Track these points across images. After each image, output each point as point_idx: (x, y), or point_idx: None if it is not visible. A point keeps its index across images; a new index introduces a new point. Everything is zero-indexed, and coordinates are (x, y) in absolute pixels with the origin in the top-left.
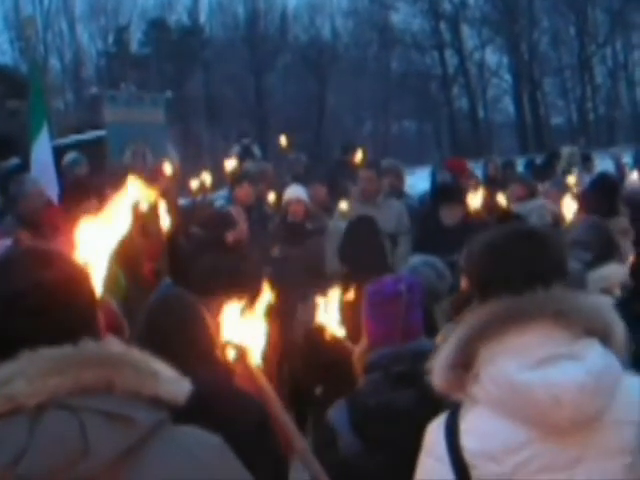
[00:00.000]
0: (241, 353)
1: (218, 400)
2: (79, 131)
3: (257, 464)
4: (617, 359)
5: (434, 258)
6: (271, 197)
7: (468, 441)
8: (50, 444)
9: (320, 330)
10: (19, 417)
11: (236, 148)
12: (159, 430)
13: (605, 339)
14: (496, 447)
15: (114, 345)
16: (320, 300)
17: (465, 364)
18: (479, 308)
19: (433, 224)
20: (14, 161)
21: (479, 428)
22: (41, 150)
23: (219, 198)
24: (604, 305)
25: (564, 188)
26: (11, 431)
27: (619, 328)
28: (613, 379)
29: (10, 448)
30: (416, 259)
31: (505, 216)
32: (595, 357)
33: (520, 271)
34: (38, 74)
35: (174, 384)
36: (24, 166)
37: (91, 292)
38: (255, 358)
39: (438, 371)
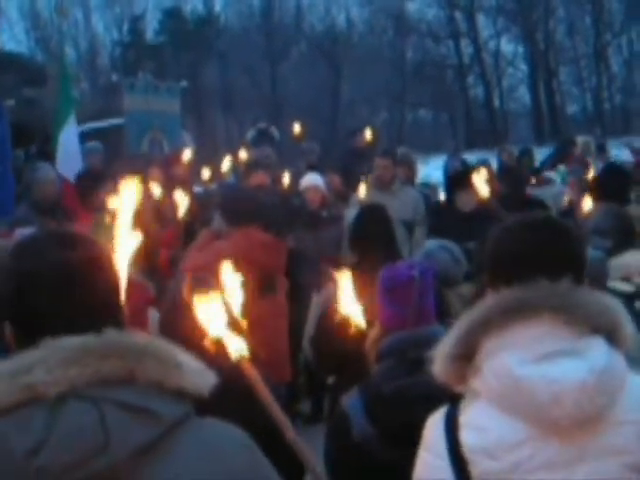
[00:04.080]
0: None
1: (236, 387)
2: (95, 119)
3: (275, 454)
4: (623, 358)
5: (450, 243)
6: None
7: (467, 436)
8: (70, 435)
9: (333, 319)
10: (38, 407)
11: (251, 133)
12: (183, 423)
13: (612, 337)
14: (494, 443)
15: (137, 335)
16: (334, 288)
17: (467, 356)
18: (485, 299)
19: (448, 211)
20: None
21: (478, 423)
22: (68, 138)
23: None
24: (612, 302)
25: (581, 176)
26: (30, 421)
27: (627, 327)
28: (617, 378)
29: (29, 438)
30: (432, 243)
31: (527, 203)
32: (599, 355)
33: (530, 260)
34: (66, 64)
35: (199, 376)
36: (40, 154)
37: (114, 276)
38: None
39: (439, 361)
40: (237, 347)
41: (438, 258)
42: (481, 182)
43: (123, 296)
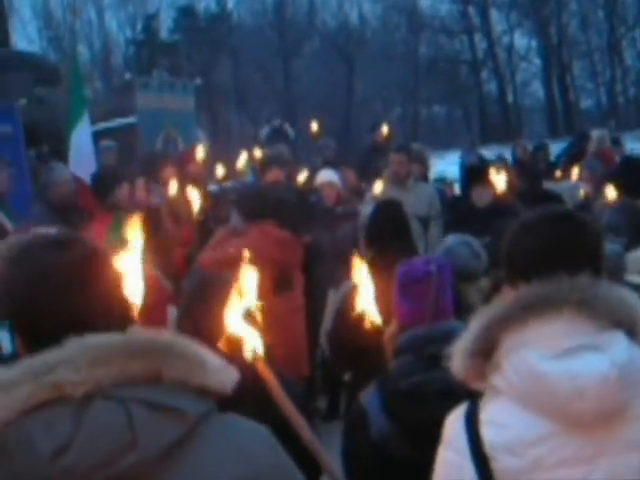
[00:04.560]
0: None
1: (259, 384)
2: (109, 118)
3: (296, 450)
4: None
5: (470, 238)
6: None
7: (488, 433)
8: (97, 435)
9: (350, 315)
10: (65, 406)
11: (265, 130)
12: (207, 420)
13: (632, 332)
14: (516, 439)
15: (162, 333)
16: (350, 285)
17: (486, 352)
18: (503, 295)
19: (464, 206)
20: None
21: (500, 419)
22: (81, 138)
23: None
24: (631, 297)
25: (596, 170)
26: (56, 421)
27: None
28: (638, 372)
29: (55, 439)
30: (451, 239)
31: (543, 197)
32: (620, 349)
33: (549, 255)
34: (78, 63)
35: (222, 373)
36: (53, 153)
37: (114, 274)
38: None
39: (457, 358)
40: (252, 347)
41: (458, 253)
42: (498, 177)
43: (134, 293)
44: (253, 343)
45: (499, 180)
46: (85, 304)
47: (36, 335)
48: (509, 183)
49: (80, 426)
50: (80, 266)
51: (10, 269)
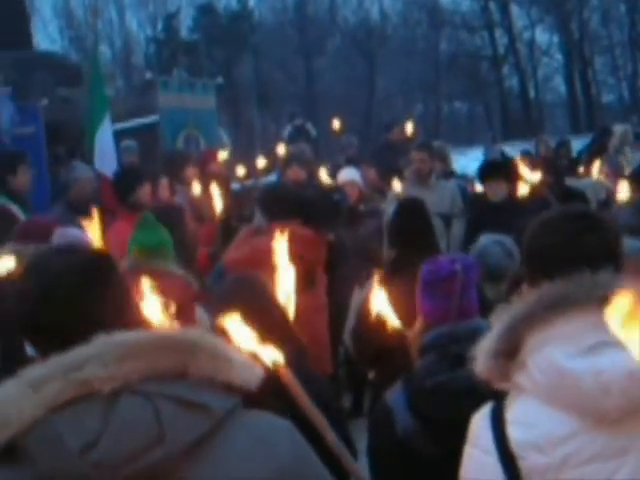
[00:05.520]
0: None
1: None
2: (130, 117)
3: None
4: None
5: (503, 237)
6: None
7: (515, 431)
8: (125, 430)
9: (373, 314)
10: (93, 402)
11: (288, 129)
12: (232, 416)
13: None
14: (543, 437)
15: (188, 330)
16: (373, 284)
17: (509, 352)
18: (525, 294)
19: (481, 202)
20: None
21: (526, 418)
22: (103, 138)
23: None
24: None
25: (618, 166)
26: (85, 417)
27: None
28: None
29: (84, 434)
30: (484, 238)
31: (566, 195)
32: None
33: (570, 253)
34: (98, 63)
35: (247, 370)
36: (74, 154)
37: (120, 277)
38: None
39: (481, 358)
40: (271, 355)
41: (491, 252)
42: (523, 171)
43: (161, 293)
44: (272, 354)
45: (526, 174)
46: (99, 304)
47: (47, 341)
48: (541, 178)
49: (108, 422)
50: (89, 267)
51: (23, 280)
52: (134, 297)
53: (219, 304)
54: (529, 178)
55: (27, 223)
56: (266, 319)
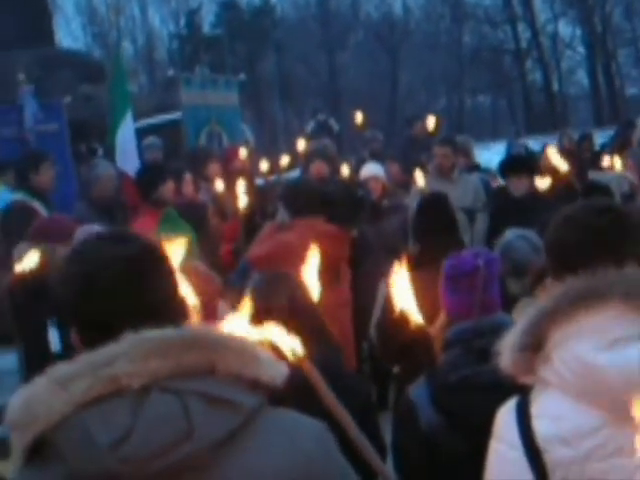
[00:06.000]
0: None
1: (327, 380)
2: (153, 114)
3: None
4: None
5: (529, 232)
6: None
7: (540, 425)
8: (154, 426)
9: (396, 309)
10: (122, 399)
11: (311, 124)
12: (259, 413)
13: None
14: (570, 431)
15: (215, 327)
16: (397, 279)
17: (534, 346)
18: (550, 288)
19: (504, 197)
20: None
21: (551, 412)
22: (124, 135)
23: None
24: None
25: None
26: (114, 413)
27: None
28: None
29: (114, 430)
30: (510, 234)
31: (591, 188)
32: None
33: (595, 247)
34: (121, 59)
35: (273, 367)
36: (95, 151)
37: (171, 269)
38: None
39: (506, 353)
40: (293, 348)
41: (517, 247)
42: (554, 160)
43: (187, 289)
44: (291, 345)
45: (554, 164)
46: (142, 298)
47: (93, 329)
48: (570, 170)
49: (138, 418)
50: (136, 260)
51: (69, 265)
52: (179, 290)
53: (260, 302)
54: (560, 167)
55: (48, 222)
56: (306, 317)
